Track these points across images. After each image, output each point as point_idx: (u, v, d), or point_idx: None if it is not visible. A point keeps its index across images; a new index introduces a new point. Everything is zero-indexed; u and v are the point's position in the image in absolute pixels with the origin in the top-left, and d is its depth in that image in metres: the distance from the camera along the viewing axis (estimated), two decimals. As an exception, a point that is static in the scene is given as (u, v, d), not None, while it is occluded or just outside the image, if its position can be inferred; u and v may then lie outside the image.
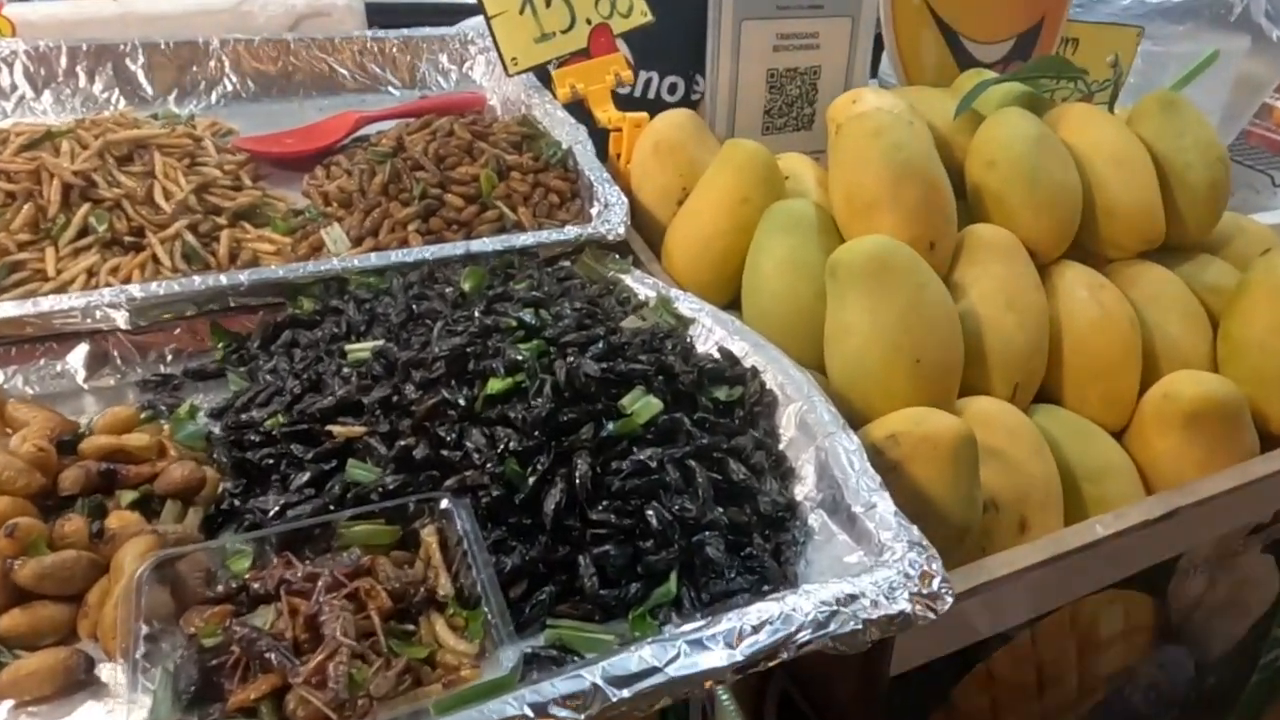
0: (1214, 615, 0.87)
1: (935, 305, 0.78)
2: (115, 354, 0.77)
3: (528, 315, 0.65)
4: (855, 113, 0.98)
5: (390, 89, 1.25)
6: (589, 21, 1.14)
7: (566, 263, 0.87)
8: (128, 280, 0.83)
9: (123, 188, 0.89)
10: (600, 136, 1.12)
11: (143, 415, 0.70)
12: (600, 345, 0.64)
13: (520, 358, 0.60)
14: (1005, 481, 0.75)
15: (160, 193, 0.90)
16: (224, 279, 0.78)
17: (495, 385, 0.59)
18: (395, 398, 0.61)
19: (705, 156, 1.02)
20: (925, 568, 0.52)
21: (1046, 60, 1.13)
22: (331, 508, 0.56)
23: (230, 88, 1.16)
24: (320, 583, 0.49)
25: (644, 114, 1.08)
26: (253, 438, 0.63)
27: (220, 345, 0.79)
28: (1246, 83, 1.58)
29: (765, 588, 0.55)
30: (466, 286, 0.72)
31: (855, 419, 0.76)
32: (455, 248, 0.85)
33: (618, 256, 0.92)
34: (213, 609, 0.49)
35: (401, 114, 1.15)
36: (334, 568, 0.50)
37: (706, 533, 0.56)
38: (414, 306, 0.72)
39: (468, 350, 0.61)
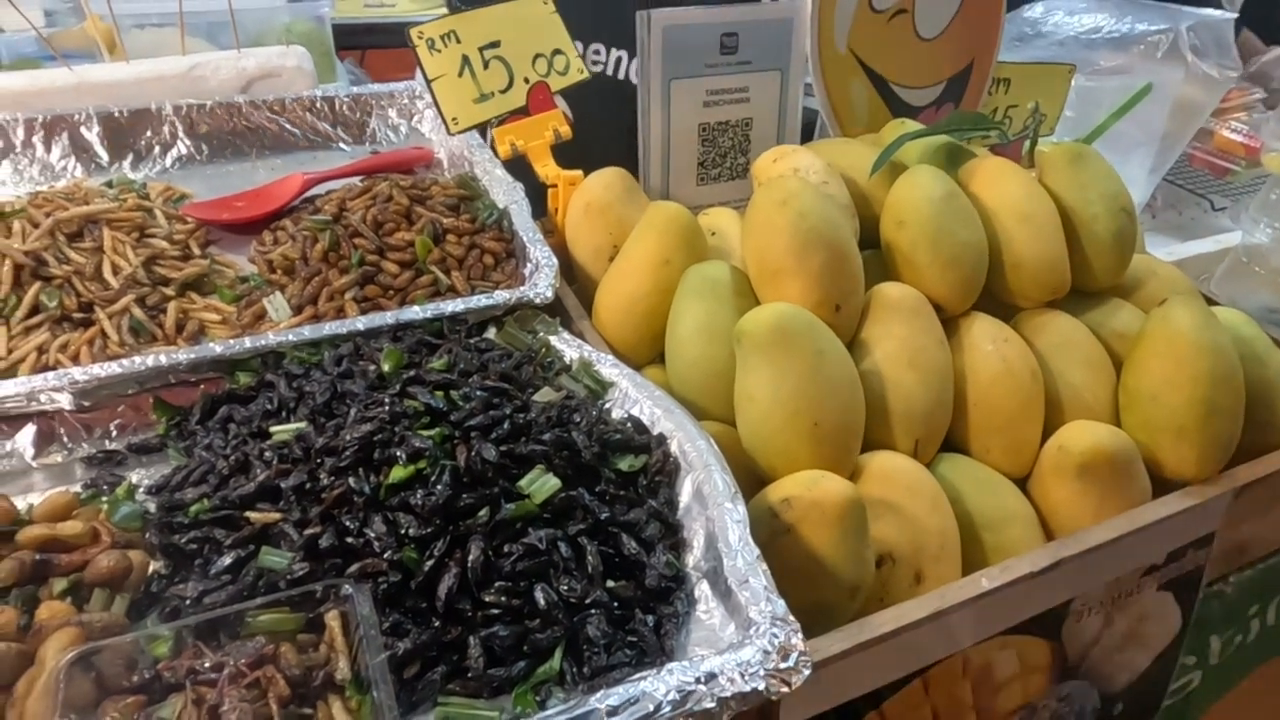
0: (1114, 651, 0.92)
1: (834, 368, 0.83)
2: (62, 432, 0.82)
3: (436, 400, 0.70)
4: (772, 174, 1.03)
5: (341, 145, 1.29)
6: (527, 80, 1.19)
7: (493, 330, 0.92)
8: (77, 356, 0.88)
9: (72, 264, 0.94)
10: (542, 191, 1.16)
11: (84, 495, 0.75)
12: (505, 427, 0.69)
13: (423, 445, 0.65)
14: (902, 535, 0.80)
15: (109, 268, 0.95)
16: (164, 359, 0.82)
17: (398, 473, 0.64)
18: (309, 484, 0.66)
19: (634, 215, 1.06)
20: (784, 643, 0.57)
21: (963, 115, 1.17)
22: (245, 594, 0.61)
23: (184, 151, 1.21)
24: (225, 672, 0.53)
25: (578, 172, 1.13)
26: (181, 520, 0.68)
27: (163, 419, 0.84)
28: (1184, 108, 1.62)
29: (645, 661, 0.60)
30: (386, 367, 0.77)
31: (762, 481, 0.80)
32: (386, 317, 0.90)
33: (547, 317, 0.97)
34: (127, 699, 0.54)
35: (349, 173, 1.20)
36: (239, 657, 0.55)
37: (590, 611, 0.61)
38: (337, 385, 0.77)
39: (375, 439, 0.66)
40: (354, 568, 0.60)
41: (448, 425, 0.68)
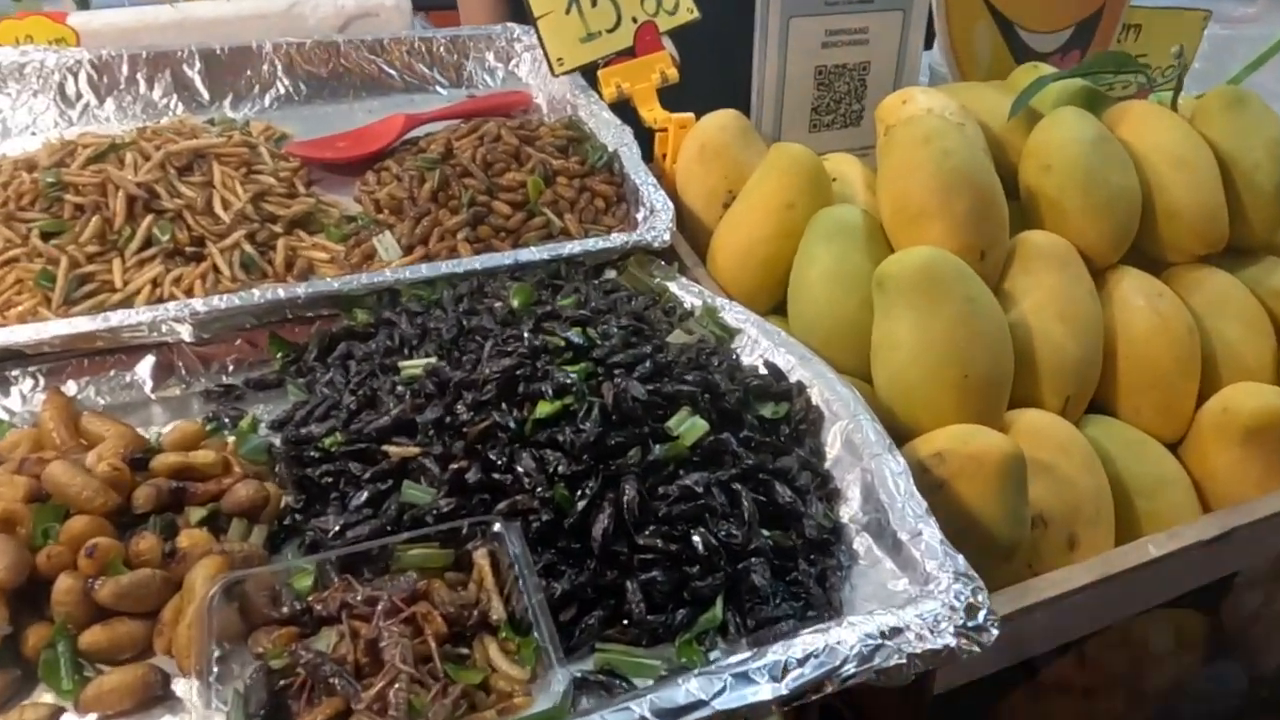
0: (1272, 629, 0.86)
1: (984, 319, 0.77)
2: (180, 365, 0.80)
3: (575, 335, 0.66)
4: (904, 116, 0.97)
5: (438, 88, 1.26)
6: (635, 20, 1.14)
7: (612, 272, 0.88)
8: (190, 290, 0.86)
9: (184, 198, 0.92)
10: (647, 136, 1.12)
11: (208, 427, 0.73)
12: (647, 365, 0.65)
13: (569, 380, 0.61)
14: (1054, 497, 0.75)
15: (219, 202, 0.93)
16: (281, 292, 0.80)
17: (545, 409, 0.60)
18: (448, 418, 0.62)
19: (751, 159, 1.01)
20: (971, 599, 0.52)
21: (1106, 55, 1.09)
22: (388, 529, 0.58)
23: (283, 90, 1.18)
24: (379, 607, 0.51)
25: (689, 115, 1.08)
26: (312, 454, 0.65)
27: (279, 355, 0.82)
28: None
29: (810, 614, 0.56)
30: (515, 303, 0.74)
31: (901, 434, 0.75)
32: (504, 258, 0.86)
33: (663, 264, 0.93)
34: (279, 630, 0.51)
35: (449, 115, 1.16)
36: (392, 592, 0.52)
37: (752, 559, 0.57)
38: (464, 322, 0.73)
39: (518, 373, 0.62)
40: (503, 505, 0.57)
41: (590, 362, 0.64)
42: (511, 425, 0.60)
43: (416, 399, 0.66)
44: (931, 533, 0.57)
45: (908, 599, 0.54)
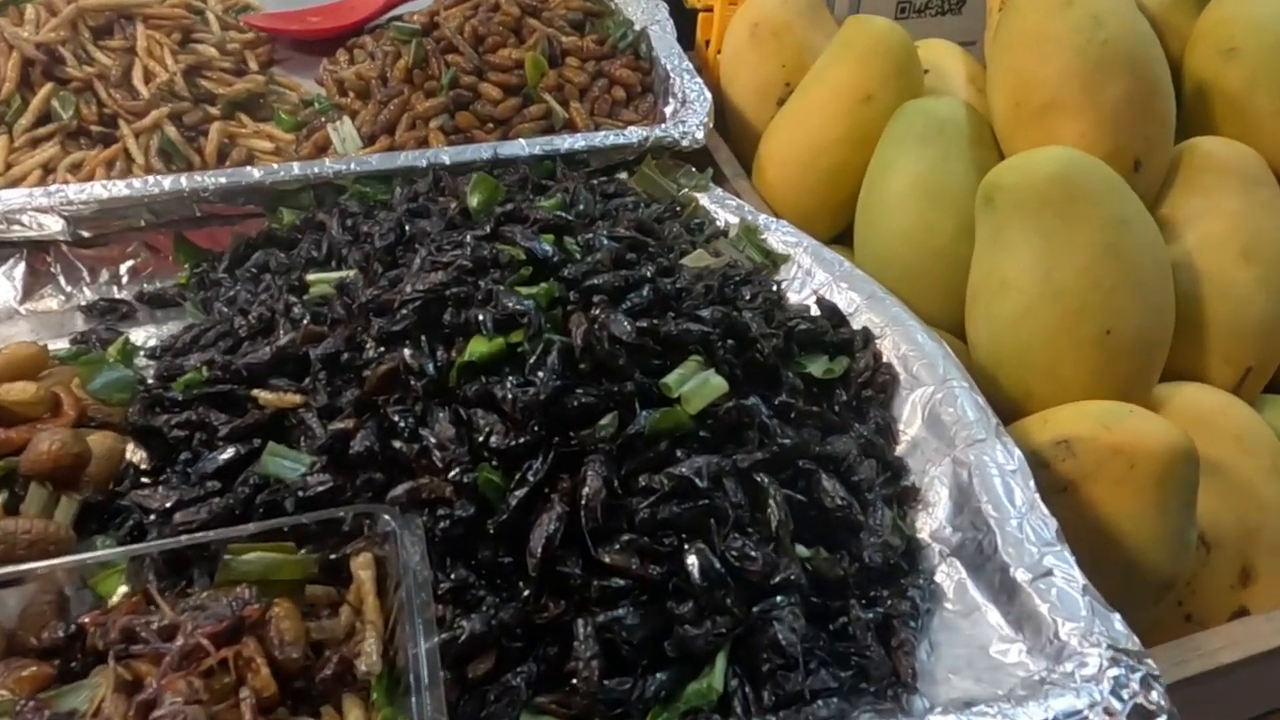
0: None
1: (1141, 252, 0.54)
2: (57, 270, 0.62)
3: (543, 245, 0.45)
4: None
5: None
6: None
7: (624, 175, 0.67)
8: (91, 178, 0.68)
9: (95, 65, 0.73)
10: (686, 18, 0.89)
11: (67, 351, 0.55)
12: (644, 293, 0.44)
13: (520, 307, 0.41)
14: (1224, 510, 0.53)
15: (140, 74, 0.74)
16: (184, 181, 0.61)
17: (479, 347, 0.40)
18: (346, 355, 0.43)
19: (819, 41, 0.78)
20: (1141, 699, 0.31)
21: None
22: (237, 513, 0.39)
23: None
24: (176, 646, 0.32)
25: (743, -13, 0.85)
26: (173, 396, 0.47)
27: (186, 265, 0.64)
28: None
29: (864, 688, 0.35)
30: (474, 202, 0.53)
31: (1007, 410, 0.54)
32: (480, 149, 0.66)
33: (694, 170, 0.71)
34: (27, 668, 0.33)
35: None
36: (203, 620, 0.33)
37: (778, 596, 0.36)
38: (406, 226, 0.53)
39: (448, 293, 0.42)
40: (401, 489, 0.38)
41: (559, 284, 0.44)
42: (429, 369, 0.40)
43: (316, 326, 0.46)
44: (1067, 572, 0.36)
45: (1027, 681, 0.33)
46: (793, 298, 0.59)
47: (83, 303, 0.62)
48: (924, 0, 0.90)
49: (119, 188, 0.60)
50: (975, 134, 0.64)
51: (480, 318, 0.41)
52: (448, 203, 0.56)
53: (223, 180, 0.62)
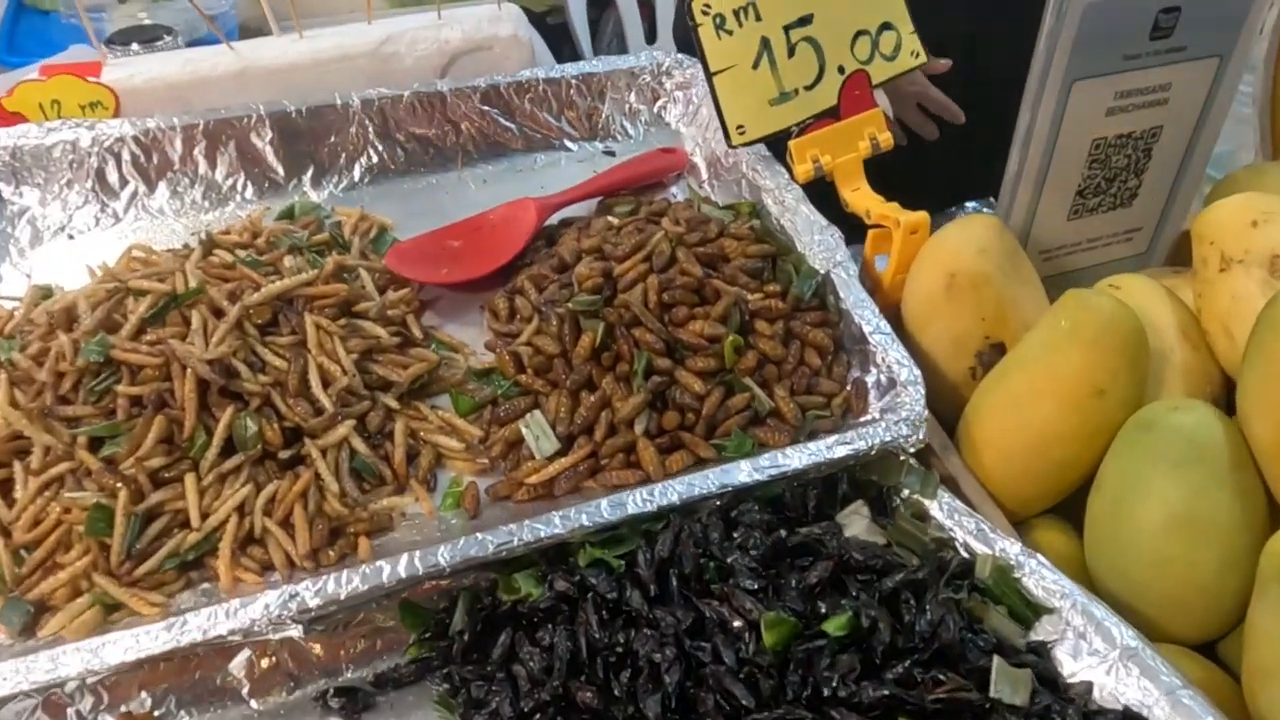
0: None
1: None
2: (287, 660, 0.59)
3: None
4: (1253, 246, 0.68)
5: (566, 142, 0.98)
6: (841, 70, 0.84)
7: (861, 517, 0.63)
8: (287, 519, 0.64)
9: (270, 372, 0.68)
10: (842, 222, 0.84)
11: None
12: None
13: None
14: None
15: (317, 378, 0.69)
16: (418, 563, 0.57)
17: None
18: None
19: (1018, 295, 0.75)
20: None
21: None
22: None
23: (375, 159, 0.92)
24: None
25: (922, 215, 0.80)
26: None
27: (412, 631, 0.60)
28: None
29: None
30: (767, 640, 0.50)
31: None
32: (706, 479, 0.62)
33: (914, 465, 0.68)
34: None
35: (589, 194, 0.90)
36: None
37: None
38: (685, 645, 0.50)
39: None
40: None
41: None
42: None
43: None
44: None
45: None
46: (1067, 664, 0.56)
47: (311, 692, 0.59)
48: (1097, 200, 0.86)
49: (355, 583, 0.56)
50: (1235, 457, 0.61)
51: None
52: (725, 614, 0.53)
53: (454, 556, 0.58)
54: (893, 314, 0.79)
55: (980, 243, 0.75)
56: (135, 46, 1.21)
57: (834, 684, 0.47)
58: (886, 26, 0.85)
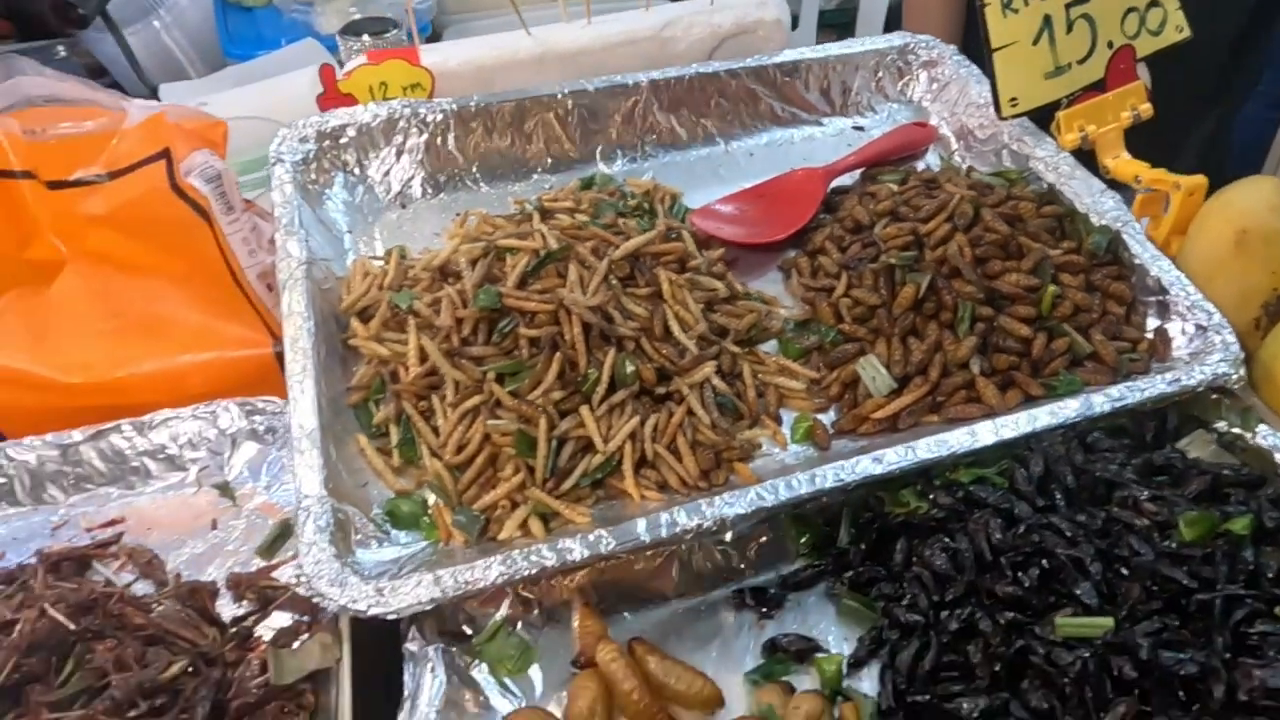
0: None
1: None
2: (705, 561, 0.67)
3: None
4: None
5: (819, 118, 1.06)
6: (1110, 45, 0.91)
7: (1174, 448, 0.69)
8: (673, 445, 0.72)
9: (637, 319, 0.77)
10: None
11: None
12: None
13: None
14: None
15: (676, 324, 0.77)
16: (802, 483, 0.65)
17: None
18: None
19: (1306, 248, 0.80)
20: None
21: None
22: None
23: (656, 135, 1.00)
24: None
25: (1201, 178, 0.86)
26: None
27: (801, 542, 0.68)
28: None
29: None
30: (1186, 534, 0.57)
31: None
32: (1030, 418, 0.69)
33: (1227, 402, 0.74)
34: None
35: (856, 165, 0.97)
36: None
37: None
38: (1098, 544, 0.57)
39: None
40: None
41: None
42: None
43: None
44: None
45: None
46: None
47: (723, 593, 0.67)
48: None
49: (760, 499, 0.64)
50: None
51: None
52: (1132, 517, 0.60)
53: (843, 478, 0.65)
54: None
55: (1272, 201, 0.81)
56: (366, 38, 1.31)
57: (1270, 573, 0.53)
58: (1154, 3, 0.91)
